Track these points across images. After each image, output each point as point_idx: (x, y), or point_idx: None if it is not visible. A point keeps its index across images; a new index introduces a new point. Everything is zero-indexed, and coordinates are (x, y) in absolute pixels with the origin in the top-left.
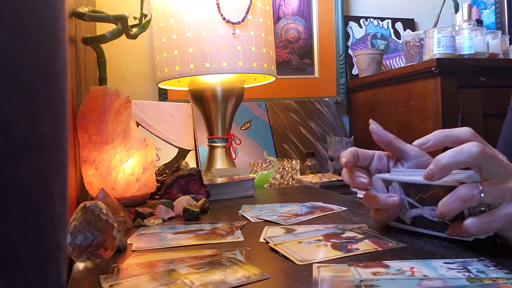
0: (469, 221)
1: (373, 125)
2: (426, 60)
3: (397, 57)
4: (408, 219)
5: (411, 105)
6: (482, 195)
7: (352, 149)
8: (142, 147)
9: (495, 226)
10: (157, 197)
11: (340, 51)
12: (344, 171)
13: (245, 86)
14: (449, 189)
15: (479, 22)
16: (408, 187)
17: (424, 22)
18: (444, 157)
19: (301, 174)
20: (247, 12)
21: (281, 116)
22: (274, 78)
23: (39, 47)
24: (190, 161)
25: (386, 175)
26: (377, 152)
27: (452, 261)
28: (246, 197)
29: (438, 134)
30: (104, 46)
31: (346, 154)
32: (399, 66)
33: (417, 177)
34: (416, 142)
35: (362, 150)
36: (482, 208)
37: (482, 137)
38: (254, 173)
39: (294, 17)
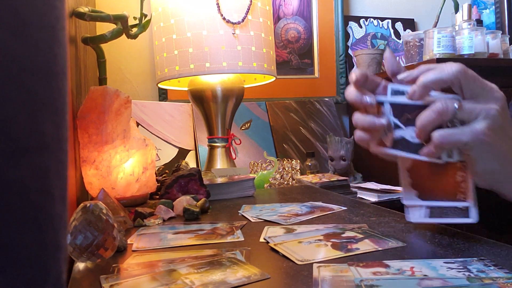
0: (436, 133)
1: (387, 53)
2: (426, 60)
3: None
4: (389, 142)
5: None
6: (457, 108)
7: (363, 70)
8: (142, 147)
9: (460, 139)
10: (157, 197)
11: (340, 51)
12: (351, 88)
13: (245, 86)
14: None
15: (479, 22)
16: (397, 108)
17: (424, 22)
18: (426, 75)
19: (301, 174)
20: (247, 12)
21: (281, 116)
22: (274, 78)
23: (39, 47)
24: (190, 161)
25: (379, 97)
26: (384, 81)
27: (452, 261)
28: (246, 197)
29: (423, 68)
30: (104, 46)
31: (357, 72)
32: None
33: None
34: (401, 75)
35: (372, 75)
36: (456, 124)
37: None
38: (254, 173)
39: (294, 17)
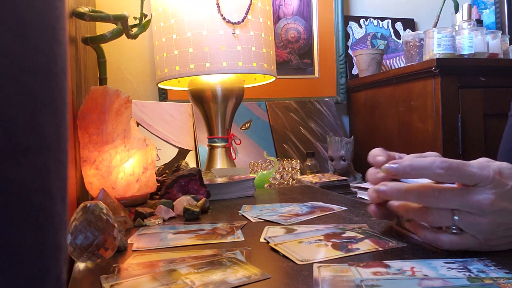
0: (445, 239)
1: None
2: (426, 60)
3: (397, 57)
4: (404, 223)
5: (411, 105)
6: (456, 218)
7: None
8: (142, 147)
9: (470, 248)
10: (157, 197)
11: (340, 51)
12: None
13: (245, 86)
14: None
15: (479, 22)
16: None
17: (424, 22)
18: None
19: (301, 174)
20: (247, 12)
21: (281, 116)
22: (274, 78)
23: (39, 47)
24: (190, 161)
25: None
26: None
27: (453, 261)
28: (246, 197)
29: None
30: (104, 46)
31: (379, 152)
32: (399, 66)
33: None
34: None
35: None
36: (454, 230)
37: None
38: (254, 173)
39: (294, 17)
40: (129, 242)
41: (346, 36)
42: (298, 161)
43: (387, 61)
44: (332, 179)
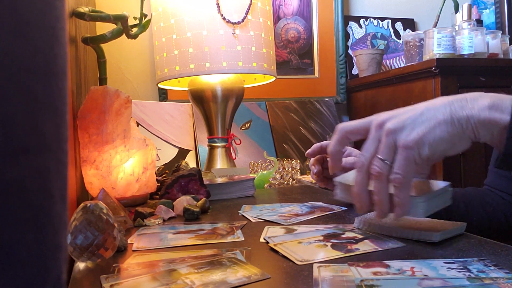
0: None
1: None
2: (426, 60)
3: (397, 57)
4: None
5: (411, 105)
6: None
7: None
8: (142, 147)
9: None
10: (157, 197)
11: (340, 51)
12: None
13: (245, 86)
14: None
15: (479, 22)
16: None
17: (424, 22)
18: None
19: (301, 174)
20: (247, 12)
21: (281, 116)
22: (274, 78)
23: (39, 47)
24: (190, 161)
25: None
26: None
27: (453, 261)
28: (246, 197)
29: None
30: (104, 46)
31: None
32: (399, 66)
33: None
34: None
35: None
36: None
37: None
38: (254, 173)
39: (294, 17)
40: (129, 242)
41: (346, 36)
42: (298, 161)
43: (387, 61)
44: None
